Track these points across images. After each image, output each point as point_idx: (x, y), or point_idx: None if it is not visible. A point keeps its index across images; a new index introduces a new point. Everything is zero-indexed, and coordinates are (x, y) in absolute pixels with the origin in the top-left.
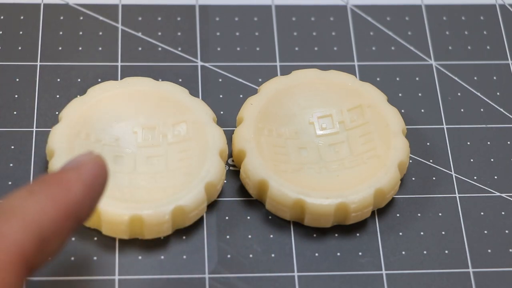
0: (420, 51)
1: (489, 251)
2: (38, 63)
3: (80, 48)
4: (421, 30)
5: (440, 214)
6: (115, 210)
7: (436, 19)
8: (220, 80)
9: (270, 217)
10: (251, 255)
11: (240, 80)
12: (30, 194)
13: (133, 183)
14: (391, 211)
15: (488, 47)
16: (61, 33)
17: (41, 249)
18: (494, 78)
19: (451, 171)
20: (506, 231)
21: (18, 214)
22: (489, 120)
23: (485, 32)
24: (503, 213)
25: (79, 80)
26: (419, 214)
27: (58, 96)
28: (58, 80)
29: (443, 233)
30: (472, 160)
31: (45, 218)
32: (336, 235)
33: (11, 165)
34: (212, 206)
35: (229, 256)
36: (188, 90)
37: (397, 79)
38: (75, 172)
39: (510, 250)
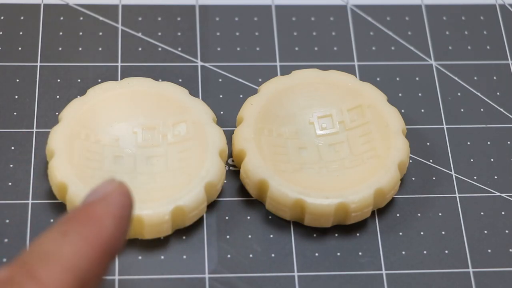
0: (420, 51)
1: (489, 251)
2: (38, 64)
3: (80, 48)
4: (421, 30)
5: (440, 214)
6: None
7: (436, 19)
8: (220, 80)
9: (270, 217)
10: (251, 255)
11: (240, 80)
12: (63, 236)
13: (133, 183)
14: (391, 211)
15: (488, 47)
16: (61, 33)
17: None
18: (494, 78)
19: (451, 171)
20: (506, 231)
21: (54, 258)
22: (489, 120)
23: (485, 32)
24: (503, 213)
25: (79, 80)
26: (419, 214)
27: (58, 96)
28: (58, 80)
29: (443, 233)
30: (472, 160)
31: (82, 259)
32: (336, 235)
33: (11, 165)
34: (212, 206)
35: (229, 256)
36: (188, 90)
37: (397, 79)
38: (103, 205)
39: (510, 250)
